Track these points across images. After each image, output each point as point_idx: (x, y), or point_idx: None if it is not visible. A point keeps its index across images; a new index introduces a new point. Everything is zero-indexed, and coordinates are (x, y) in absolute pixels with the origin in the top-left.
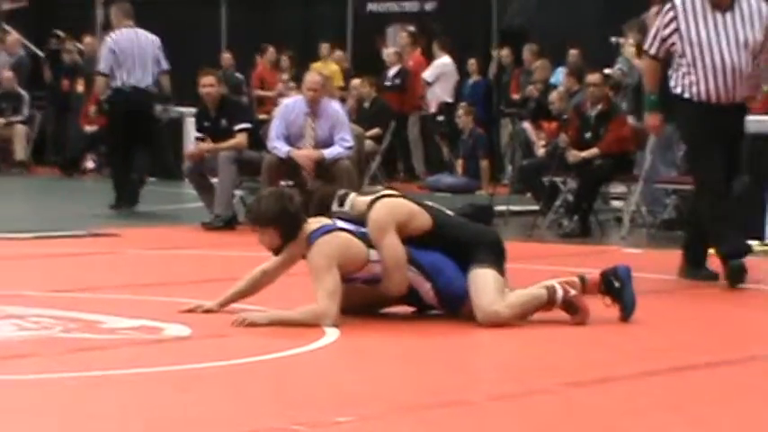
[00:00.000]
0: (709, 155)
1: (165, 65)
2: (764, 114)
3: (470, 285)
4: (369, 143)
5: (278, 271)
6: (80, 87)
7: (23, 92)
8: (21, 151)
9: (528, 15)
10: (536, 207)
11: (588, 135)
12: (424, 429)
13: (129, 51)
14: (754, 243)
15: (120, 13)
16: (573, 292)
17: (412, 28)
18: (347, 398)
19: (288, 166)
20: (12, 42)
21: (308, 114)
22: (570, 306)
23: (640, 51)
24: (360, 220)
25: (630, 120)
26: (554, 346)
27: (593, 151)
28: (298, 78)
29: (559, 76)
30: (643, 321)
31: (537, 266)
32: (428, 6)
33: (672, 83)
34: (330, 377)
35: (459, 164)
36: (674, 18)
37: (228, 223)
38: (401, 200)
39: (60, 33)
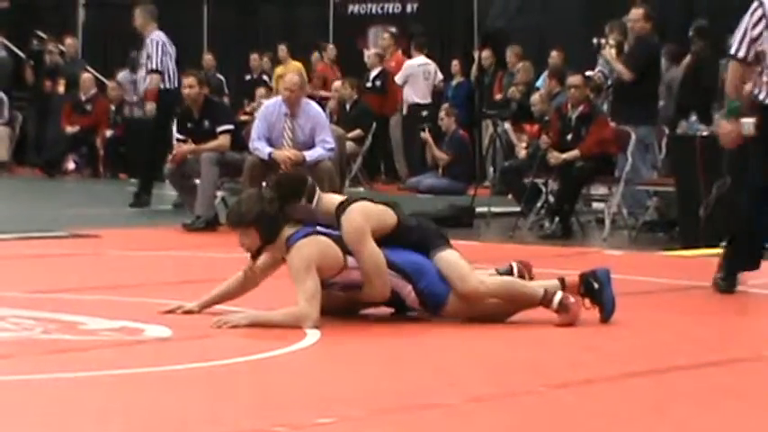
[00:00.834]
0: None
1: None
2: None
3: (442, 266)
4: (350, 145)
5: (261, 275)
6: (61, 88)
7: (2, 95)
8: (2, 152)
9: (509, 17)
10: (517, 208)
11: (569, 137)
12: (404, 431)
13: (172, 53)
14: None
15: (147, 15)
16: (572, 299)
17: (393, 29)
18: (328, 399)
19: (270, 168)
20: None
21: (287, 115)
22: (562, 308)
23: (620, 52)
24: (326, 219)
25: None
26: (535, 347)
27: (574, 153)
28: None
29: (542, 79)
30: (624, 323)
31: None
32: (409, 8)
33: (755, 89)
34: (311, 379)
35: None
36: (763, 16)
37: (210, 224)
38: (368, 203)
39: (42, 35)
